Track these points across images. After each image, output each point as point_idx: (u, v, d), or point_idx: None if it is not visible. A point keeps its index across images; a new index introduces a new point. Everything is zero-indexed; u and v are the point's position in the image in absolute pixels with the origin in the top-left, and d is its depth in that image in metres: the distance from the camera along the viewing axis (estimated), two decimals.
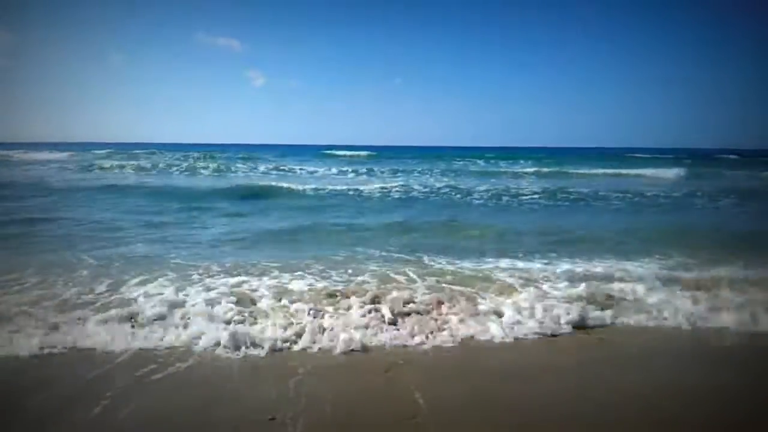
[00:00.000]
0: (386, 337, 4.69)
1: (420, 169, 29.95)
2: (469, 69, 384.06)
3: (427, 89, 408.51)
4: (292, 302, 5.46)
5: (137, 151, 48.10)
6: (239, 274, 6.54)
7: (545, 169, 28.73)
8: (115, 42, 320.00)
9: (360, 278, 6.48)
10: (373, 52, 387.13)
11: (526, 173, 27.23)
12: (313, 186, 18.73)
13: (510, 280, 6.37)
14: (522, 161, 38.71)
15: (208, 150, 55.16)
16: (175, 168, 28.79)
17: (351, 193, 17.45)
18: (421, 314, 5.20)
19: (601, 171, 28.04)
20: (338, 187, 18.56)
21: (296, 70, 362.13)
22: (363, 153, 49.29)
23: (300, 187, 18.23)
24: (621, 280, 6.41)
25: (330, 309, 5.29)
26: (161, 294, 5.64)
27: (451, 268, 7.03)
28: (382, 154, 49.34)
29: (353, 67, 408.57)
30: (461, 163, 37.49)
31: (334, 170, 28.65)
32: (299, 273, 6.62)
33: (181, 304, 5.32)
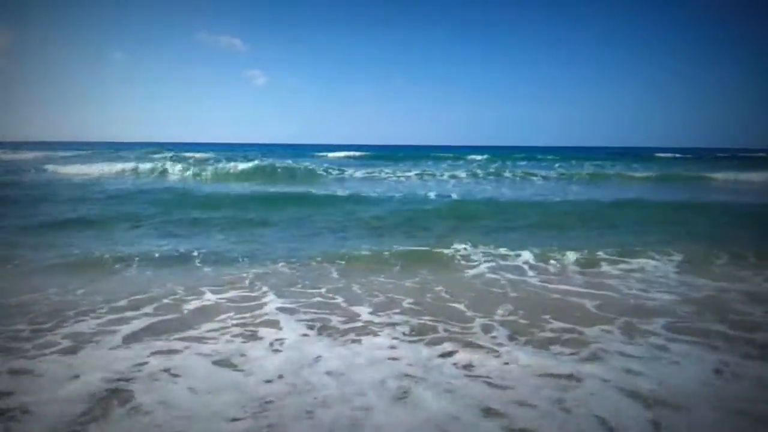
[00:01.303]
0: None
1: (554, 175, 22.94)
2: (471, 67, 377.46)
3: (429, 88, 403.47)
4: None
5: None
6: None
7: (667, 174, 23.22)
8: (116, 41, 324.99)
9: None
10: (374, 51, 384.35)
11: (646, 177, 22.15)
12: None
13: None
14: (574, 162, 32.39)
15: (212, 150, 47.04)
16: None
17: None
18: None
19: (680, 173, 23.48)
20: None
21: (297, 69, 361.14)
22: (355, 153, 42.34)
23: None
24: None
25: None
26: None
27: None
28: (423, 154, 43.84)
29: (354, 66, 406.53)
30: (535, 164, 30.69)
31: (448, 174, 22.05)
32: None
33: None
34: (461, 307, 4.65)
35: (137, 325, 4.09)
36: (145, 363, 3.38)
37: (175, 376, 3.20)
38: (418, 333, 4.01)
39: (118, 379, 3.14)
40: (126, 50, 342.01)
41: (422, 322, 4.25)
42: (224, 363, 3.41)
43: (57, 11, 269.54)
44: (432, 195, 13.95)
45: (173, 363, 3.38)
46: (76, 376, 3.17)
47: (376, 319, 4.30)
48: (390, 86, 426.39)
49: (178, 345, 3.69)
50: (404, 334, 3.97)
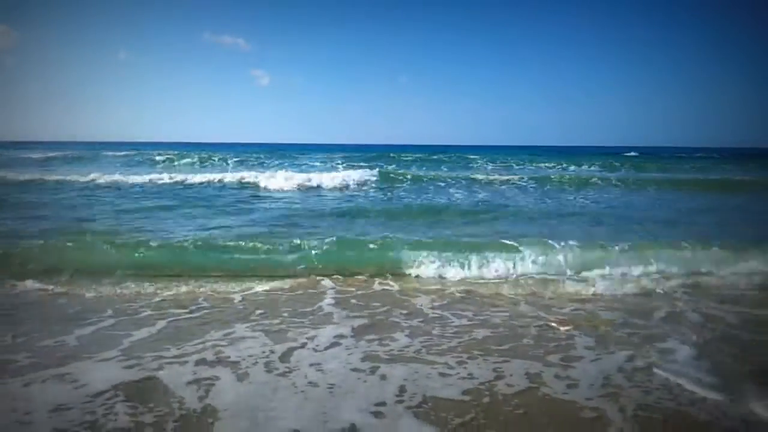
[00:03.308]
0: None
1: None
2: (474, 67, 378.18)
3: (433, 87, 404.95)
4: None
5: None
6: None
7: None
8: (120, 41, 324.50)
9: None
10: (378, 50, 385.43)
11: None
12: None
13: None
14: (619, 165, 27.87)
15: (216, 150, 41.74)
16: None
17: None
18: None
19: None
20: None
21: (302, 68, 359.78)
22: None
23: None
24: None
25: None
26: None
27: None
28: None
29: (358, 65, 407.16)
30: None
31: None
32: None
33: None
34: None
35: None
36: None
37: None
38: None
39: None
40: (130, 50, 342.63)
41: None
42: None
43: (60, 10, 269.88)
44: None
45: None
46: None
47: None
48: (395, 85, 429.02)
49: None
50: None
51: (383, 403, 2.86)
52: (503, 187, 16.10)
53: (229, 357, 3.46)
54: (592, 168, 26.23)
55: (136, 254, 5.93)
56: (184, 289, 5.06)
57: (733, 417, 2.75)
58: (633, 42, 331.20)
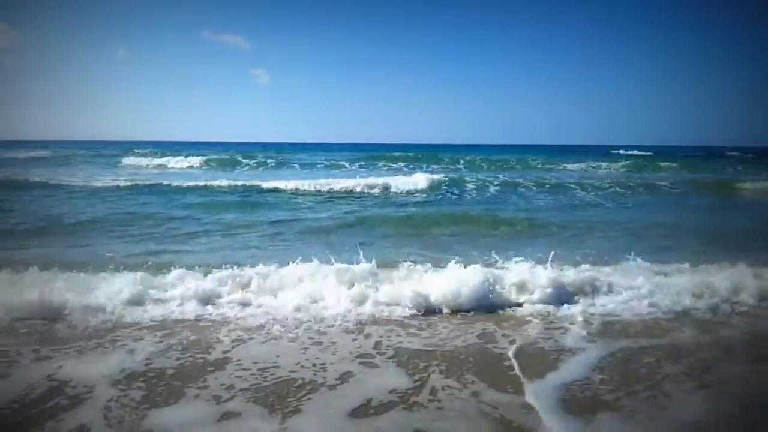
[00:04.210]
0: None
1: None
2: (475, 66, 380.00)
3: (436, 87, 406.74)
4: None
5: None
6: None
7: None
8: (120, 40, 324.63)
9: None
10: (381, 50, 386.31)
11: None
12: None
13: None
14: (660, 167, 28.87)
15: (215, 149, 43.34)
16: None
17: None
18: None
19: None
20: None
21: (302, 67, 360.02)
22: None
23: None
24: None
25: None
26: None
27: None
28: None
29: (358, 65, 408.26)
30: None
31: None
32: None
33: None
34: None
35: None
36: None
37: None
38: None
39: None
40: (129, 49, 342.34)
41: None
42: None
43: (60, 10, 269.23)
44: None
45: None
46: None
47: None
48: (396, 85, 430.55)
49: None
50: None
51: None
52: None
53: None
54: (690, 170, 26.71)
55: None
56: None
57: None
58: (633, 42, 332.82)
